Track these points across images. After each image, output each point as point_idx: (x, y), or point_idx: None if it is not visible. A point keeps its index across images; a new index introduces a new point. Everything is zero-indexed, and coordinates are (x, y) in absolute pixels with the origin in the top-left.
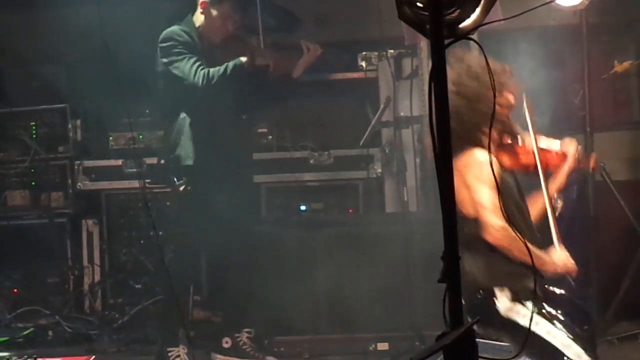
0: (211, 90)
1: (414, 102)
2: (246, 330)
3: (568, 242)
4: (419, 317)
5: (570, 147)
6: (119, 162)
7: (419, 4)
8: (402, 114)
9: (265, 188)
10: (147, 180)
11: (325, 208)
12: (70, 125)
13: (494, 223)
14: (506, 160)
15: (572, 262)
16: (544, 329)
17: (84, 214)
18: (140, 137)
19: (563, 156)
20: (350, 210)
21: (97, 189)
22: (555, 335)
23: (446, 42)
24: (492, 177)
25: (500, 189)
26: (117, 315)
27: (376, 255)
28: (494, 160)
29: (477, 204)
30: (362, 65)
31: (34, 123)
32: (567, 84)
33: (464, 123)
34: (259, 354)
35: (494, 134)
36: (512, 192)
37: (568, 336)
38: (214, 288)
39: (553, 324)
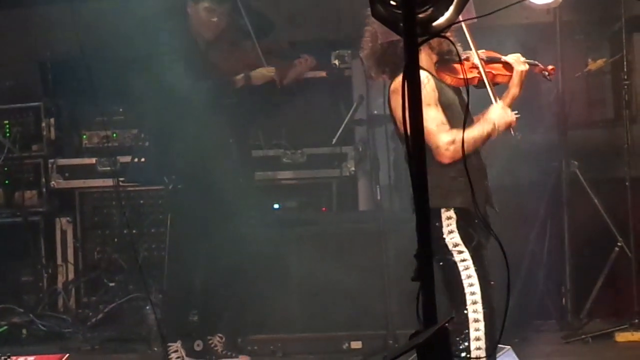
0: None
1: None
2: (219, 335)
3: (542, 241)
4: (392, 315)
5: (515, 56)
6: (93, 160)
7: (392, 2)
8: (375, 112)
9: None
10: (121, 179)
11: (299, 206)
12: (44, 124)
13: (443, 142)
14: (448, 78)
15: (510, 112)
16: (466, 272)
17: (58, 213)
18: (114, 135)
19: (510, 66)
20: (324, 209)
21: (71, 187)
22: (473, 284)
23: (419, 40)
24: (431, 94)
25: (442, 103)
26: (91, 314)
27: (349, 253)
28: (429, 75)
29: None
30: (335, 64)
31: (7, 122)
32: (541, 82)
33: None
34: (231, 353)
35: (431, 55)
36: (455, 106)
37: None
38: (189, 288)
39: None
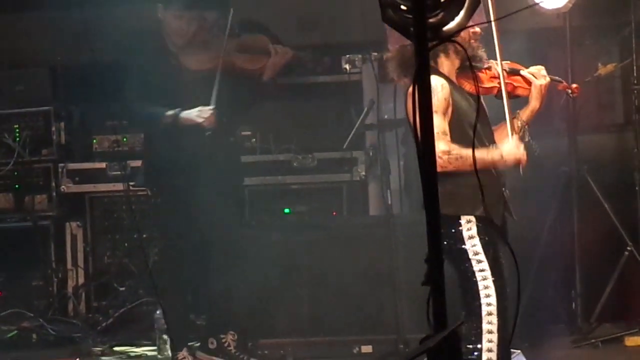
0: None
1: (398, 105)
2: (230, 332)
3: (552, 246)
4: (403, 319)
5: (537, 68)
6: (103, 164)
7: (402, 7)
8: (386, 116)
9: (249, 191)
10: (131, 183)
11: (309, 211)
12: (54, 128)
13: (438, 149)
14: (467, 84)
15: (522, 149)
16: (484, 283)
17: (68, 217)
18: (124, 139)
19: (531, 81)
20: (334, 213)
21: (81, 191)
22: (490, 295)
23: (430, 44)
24: (442, 103)
25: (453, 115)
26: (101, 318)
27: (360, 258)
28: (445, 83)
29: None
30: (346, 68)
31: (17, 126)
32: (551, 87)
33: None
34: (243, 356)
35: (455, 61)
36: (466, 116)
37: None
38: (198, 290)
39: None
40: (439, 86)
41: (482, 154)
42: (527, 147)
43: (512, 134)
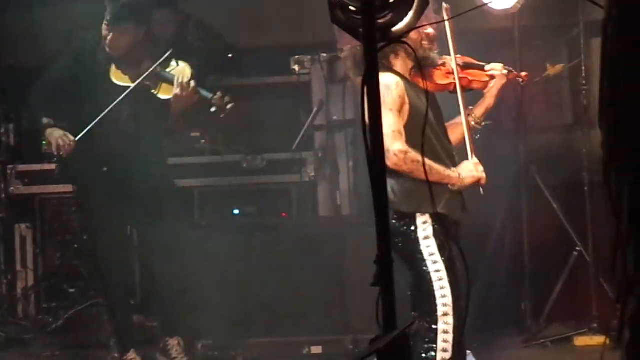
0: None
1: (347, 106)
2: (176, 337)
3: (501, 246)
4: (353, 320)
5: (494, 65)
6: (53, 166)
7: (351, 8)
8: (335, 117)
9: (198, 192)
10: None
11: (259, 212)
12: (3, 130)
13: (394, 148)
14: (422, 82)
15: (481, 170)
16: (439, 283)
17: (18, 219)
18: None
19: (489, 76)
20: (284, 214)
21: (31, 193)
22: (445, 295)
23: (379, 45)
24: (396, 100)
25: (410, 112)
26: (51, 320)
27: (310, 259)
28: (399, 81)
29: None
30: (295, 69)
31: None
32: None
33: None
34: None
35: (407, 61)
36: (422, 114)
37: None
38: (148, 292)
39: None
40: (393, 84)
41: (439, 166)
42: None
43: (471, 155)
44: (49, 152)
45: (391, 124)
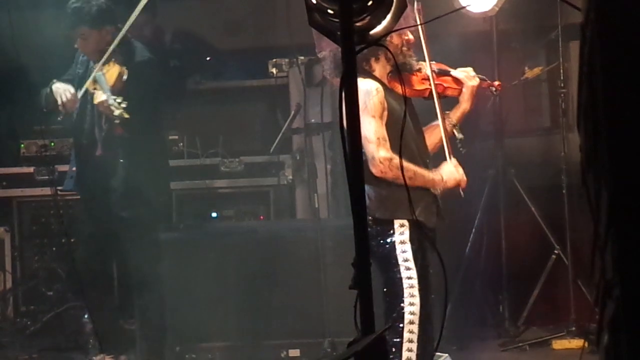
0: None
1: (325, 109)
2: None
3: (479, 249)
4: (330, 323)
5: (466, 71)
6: (31, 169)
7: (329, 11)
8: (312, 120)
9: (176, 195)
10: (59, 187)
11: (237, 215)
12: None
13: (380, 155)
14: (399, 87)
15: (461, 172)
16: (410, 291)
17: None
18: (52, 144)
19: (461, 82)
20: (261, 217)
21: (9, 196)
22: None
23: (357, 48)
24: (378, 107)
25: (388, 118)
26: (29, 323)
27: (287, 261)
28: (379, 87)
29: (362, 137)
30: (272, 72)
31: None
32: (478, 90)
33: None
34: None
35: (386, 65)
36: (400, 119)
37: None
38: (126, 295)
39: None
40: (373, 90)
41: (422, 171)
42: (456, 144)
43: (450, 157)
44: (54, 110)
45: (375, 131)
